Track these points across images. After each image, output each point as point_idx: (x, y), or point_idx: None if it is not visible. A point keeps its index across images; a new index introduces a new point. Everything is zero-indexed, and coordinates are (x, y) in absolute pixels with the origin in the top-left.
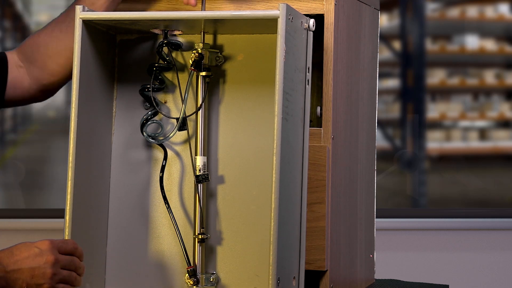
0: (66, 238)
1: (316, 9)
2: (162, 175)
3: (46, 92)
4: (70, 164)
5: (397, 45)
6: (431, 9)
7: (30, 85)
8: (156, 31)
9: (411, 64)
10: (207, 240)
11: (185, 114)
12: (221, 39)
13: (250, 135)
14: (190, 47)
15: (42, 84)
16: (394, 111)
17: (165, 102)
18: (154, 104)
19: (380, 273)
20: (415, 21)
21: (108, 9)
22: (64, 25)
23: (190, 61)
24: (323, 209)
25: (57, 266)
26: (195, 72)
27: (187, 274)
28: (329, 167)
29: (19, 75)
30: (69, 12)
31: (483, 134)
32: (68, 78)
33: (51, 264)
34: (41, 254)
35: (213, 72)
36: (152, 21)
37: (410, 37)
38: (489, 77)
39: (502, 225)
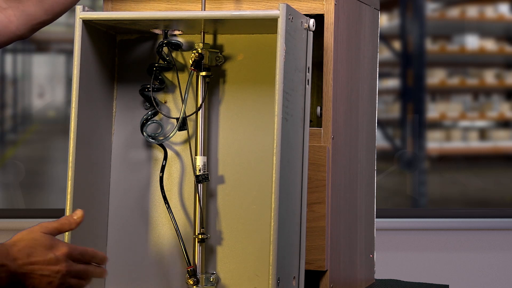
0: (66, 238)
1: (316, 9)
2: (162, 175)
3: (34, 30)
4: (70, 164)
5: (397, 45)
6: (431, 9)
7: (18, 26)
8: (156, 31)
9: (411, 64)
10: (207, 240)
11: (185, 114)
12: (221, 39)
13: (250, 135)
14: (190, 47)
15: (32, 24)
16: (394, 111)
17: (165, 102)
18: (154, 104)
19: (380, 273)
20: (415, 21)
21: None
22: None
23: (190, 61)
24: (323, 209)
25: (68, 276)
26: (195, 72)
27: (187, 274)
28: (329, 167)
29: (4, 18)
30: None
31: (483, 134)
32: (59, 16)
33: (61, 275)
34: (55, 262)
35: (213, 72)
36: (152, 21)
37: (410, 37)
38: (489, 77)
39: (502, 225)
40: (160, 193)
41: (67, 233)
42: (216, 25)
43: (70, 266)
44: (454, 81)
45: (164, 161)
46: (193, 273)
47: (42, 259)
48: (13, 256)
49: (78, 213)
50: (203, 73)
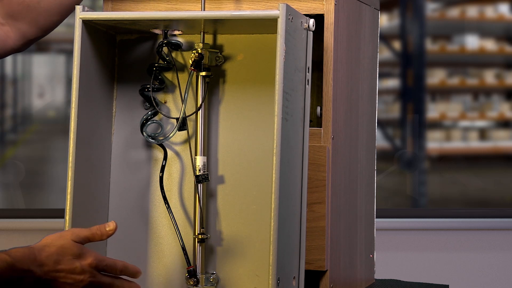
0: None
1: (316, 9)
2: (162, 175)
3: (30, 44)
4: (70, 164)
5: (397, 45)
6: (431, 9)
7: (15, 41)
8: (156, 31)
9: (411, 64)
10: (207, 240)
11: (185, 114)
12: (221, 39)
13: (250, 135)
14: (190, 47)
15: (28, 39)
16: (394, 111)
17: (165, 102)
18: (154, 104)
19: (380, 273)
20: (415, 21)
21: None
22: None
23: (190, 61)
24: (323, 209)
25: (90, 287)
26: (195, 72)
27: (187, 274)
28: (329, 167)
29: (3, 34)
30: None
31: (483, 134)
32: (52, 30)
33: (83, 285)
34: (80, 272)
35: (213, 72)
36: (152, 21)
37: (410, 37)
38: (489, 77)
39: (502, 225)
40: (160, 193)
41: None
42: (216, 25)
43: (94, 277)
44: (454, 81)
45: (164, 161)
46: (193, 273)
47: (68, 268)
48: (40, 262)
49: (111, 225)
50: (203, 73)
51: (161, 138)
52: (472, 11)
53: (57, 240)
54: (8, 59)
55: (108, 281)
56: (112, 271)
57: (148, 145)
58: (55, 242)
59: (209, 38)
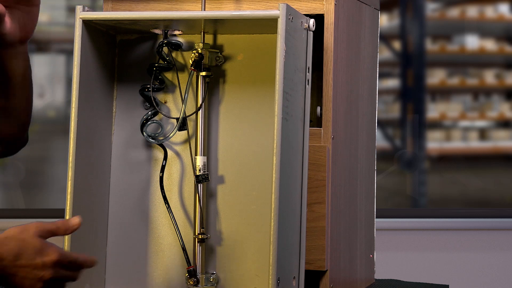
0: (66, 239)
1: (316, 9)
2: (162, 175)
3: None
4: (70, 164)
5: (397, 45)
6: (431, 9)
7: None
8: (156, 31)
9: (411, 64)
10: (207, 240)
11: (185, 114)
12: (221, 39)
13: (250, 135)
14: (190, 47)
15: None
16: (394, 111)
17: (165, 102)
18: (154, 104)
19: (380, 273)
20: (415, 21)
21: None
22: None
23: (190, 61)
24: (323, 209)
25: (50, 281)
26: (195, 72)
27: (187, 274)
28: (329, 167)
29: None
30: None
31: (483, 134)
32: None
33: (44, 281)
34: (41, 268)
35: (213, 72)
36: (152, 21)
37: (410, 37)
38: (489, 77)
39: (502, 225)
40: (160, 193)
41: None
42: (216, 25)
43: (56, 273)
44: (454, 81)
45: (164, 161)
46: (193, 273)
47: (29, 263)
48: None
49: (77, 219)
50: (203, 73)
51: (161, 138)
52: (472, 11)
53: (20, 233)
54: None
55: (69, 275)
56: (74, 266)
57: (148, 145)
58: (17, 235)
59: (209, 38)
